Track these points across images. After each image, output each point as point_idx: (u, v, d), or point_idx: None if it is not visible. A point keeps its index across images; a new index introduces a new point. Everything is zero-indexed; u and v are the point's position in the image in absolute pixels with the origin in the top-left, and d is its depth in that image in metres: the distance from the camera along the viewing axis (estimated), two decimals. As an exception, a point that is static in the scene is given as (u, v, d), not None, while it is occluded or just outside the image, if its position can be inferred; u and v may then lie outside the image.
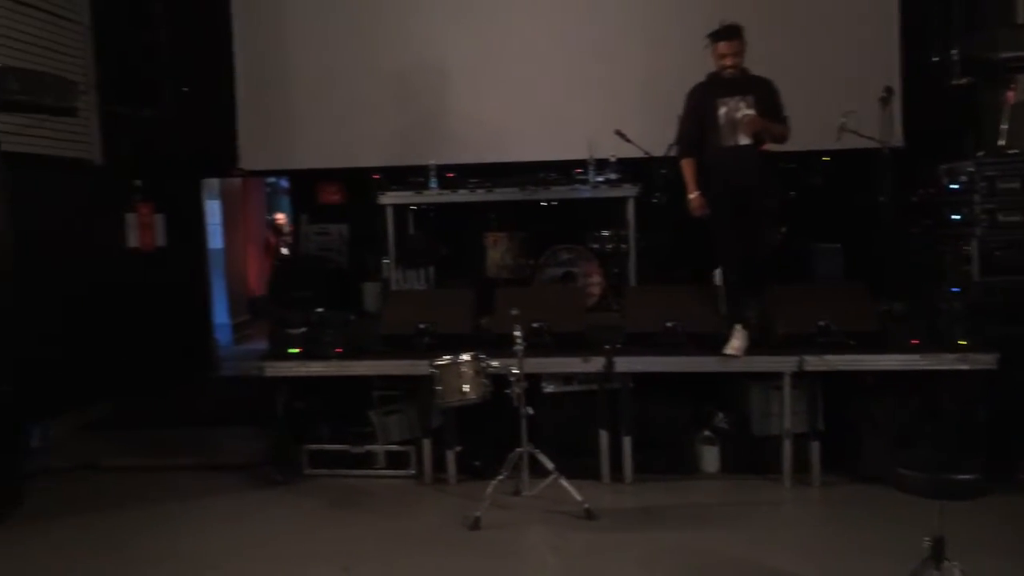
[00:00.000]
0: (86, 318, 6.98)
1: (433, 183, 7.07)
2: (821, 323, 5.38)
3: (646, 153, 6.84)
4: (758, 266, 5.34)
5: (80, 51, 7.26)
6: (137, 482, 5.73)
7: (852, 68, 7.12)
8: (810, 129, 5.78)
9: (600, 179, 6.97)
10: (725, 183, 5.26)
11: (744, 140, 5.23)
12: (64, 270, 6.73)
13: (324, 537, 4.76)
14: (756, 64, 7.10)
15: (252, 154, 7.93)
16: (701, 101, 5.37)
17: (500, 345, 5.23)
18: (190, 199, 8.70)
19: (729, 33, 5.28)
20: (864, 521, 4.70)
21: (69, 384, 6.75)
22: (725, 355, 5.28)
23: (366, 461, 5.72)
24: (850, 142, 6.42)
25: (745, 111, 5.21)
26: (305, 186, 8.59)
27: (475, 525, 4.73)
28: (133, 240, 7.68)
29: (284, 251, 10.55)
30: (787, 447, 5.31)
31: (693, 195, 5.38)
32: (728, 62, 5.25)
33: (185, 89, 7.91)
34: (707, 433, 5.63)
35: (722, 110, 5.27)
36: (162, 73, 7.84)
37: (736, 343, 5.31)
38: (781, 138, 5.36)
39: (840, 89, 6.87)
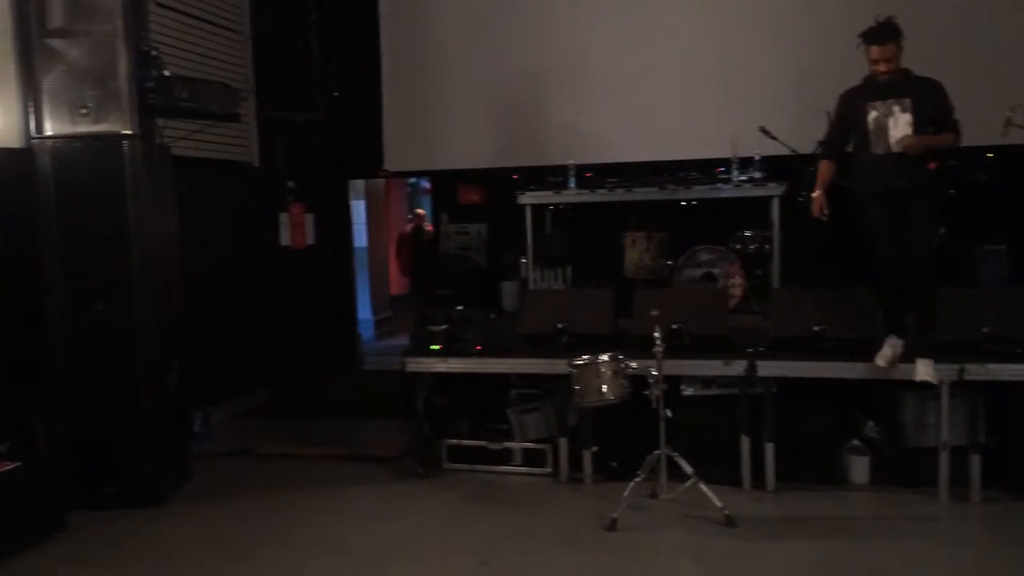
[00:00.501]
0: (243, 312, 7.41)
1: (572, 183, 7.09)
2: (985, 330, 5.07)
3: (792, 151, 6.63)
4: (916, 271, 4.96)
5: (241, 60, 7.69)
6: (288, 469, 6.01)
7: (1020, 59, 6.67)
8: (973, 124, 5.45)
9: (743, 178, 6.81)
10: (875, 188, 4.97)
11: (896, 148, 4.87)
12: (224, 267, 7.15)
13: (462, 531, 4.86)
14: (914, 55, 6.74)
15: (397, 155, 8.19)
16: (851, 105, 5.06)
17: (638, 346, 5.17)
18: (337, 199, 9.08)
19: (881, 36, 4.90)
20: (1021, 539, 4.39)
21: (229, 374, 7.17)
22: (876, 365, 5.01)
23: (503, 458, 5.79)
24: (1018, 137, 6.01)
25: (902, 121, 4.84)
26: (446, 186, 8.79)
27: (612, 526, 4.71)
28: (285, 238, 8.08)
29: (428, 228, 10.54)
30: (944, 460, 5.02)
31: (816, 193, 5.22)
32: (881, 68, 4.90)
33: (335, 94, 8.26)
34: (856, 443, 5.39)
35: (872, 115, 4.94)
36: (314, 79, 8.22)
37: (888, 352, 5.00)
38: (948, 149, 4.96)
39: (1007, 81, 6.45)
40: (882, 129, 4.89)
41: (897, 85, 4.90)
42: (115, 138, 5.23)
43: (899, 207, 4.92)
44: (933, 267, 4.93)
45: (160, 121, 5.67)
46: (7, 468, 4.65)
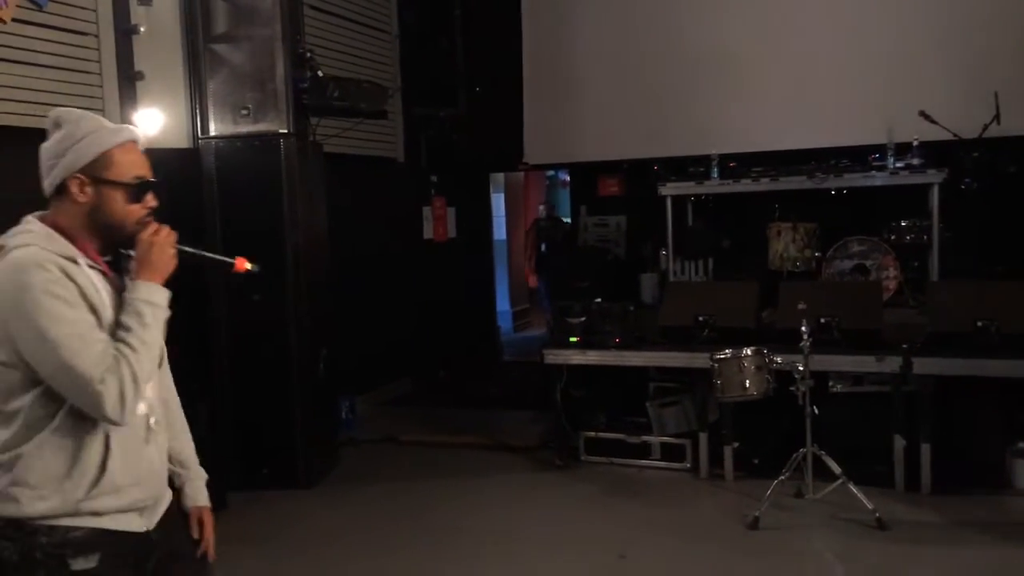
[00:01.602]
0: (389, 303, 7.66)
1: (715, 173, 6.94)
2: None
3: (955, 135, 6.23)
4: None
5: (388, 59, 7.94)
6: (430, 456, 6.18)
7: None
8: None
9: (900, 164, 6.47)
10: None
11: None
12: (371, 260, 7.42)
13: (600, 523, 4.86)
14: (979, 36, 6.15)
15: (536, 149, 8.25)
16: None
17: (784, 340, 5.02)
18: (478, 193, 9.24)
19: None
20: None
21: (374, 363, 7.45)
22: None
23: (641, 451, 5.74)
24: None
25: None
26: (585, 178, 8.78)
27: (754, 524, 4.59)
28: (428, 231, 8.30)
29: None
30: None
31: None
32: None
33: (477, 89, 8.41)
34: (1022, 445, 5.03)
35: None
36: (457, 76, 8.40)
37: None
38: None
39: None
40: None
41: None
42: (273, 137, 5.51)
43: None
44: None
45: (313, 120, 5.93)
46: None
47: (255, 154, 5.52)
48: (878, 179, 6.54)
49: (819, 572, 4.19)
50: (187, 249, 2.03)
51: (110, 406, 1.81)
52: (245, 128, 5.54)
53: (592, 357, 5.83)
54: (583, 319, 5.94)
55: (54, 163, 1.92)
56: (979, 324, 4.98)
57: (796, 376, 4.71)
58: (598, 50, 7.95)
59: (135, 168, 1.96)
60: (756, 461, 5.37)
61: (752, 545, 4.44)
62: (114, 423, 1.85)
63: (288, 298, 5.48)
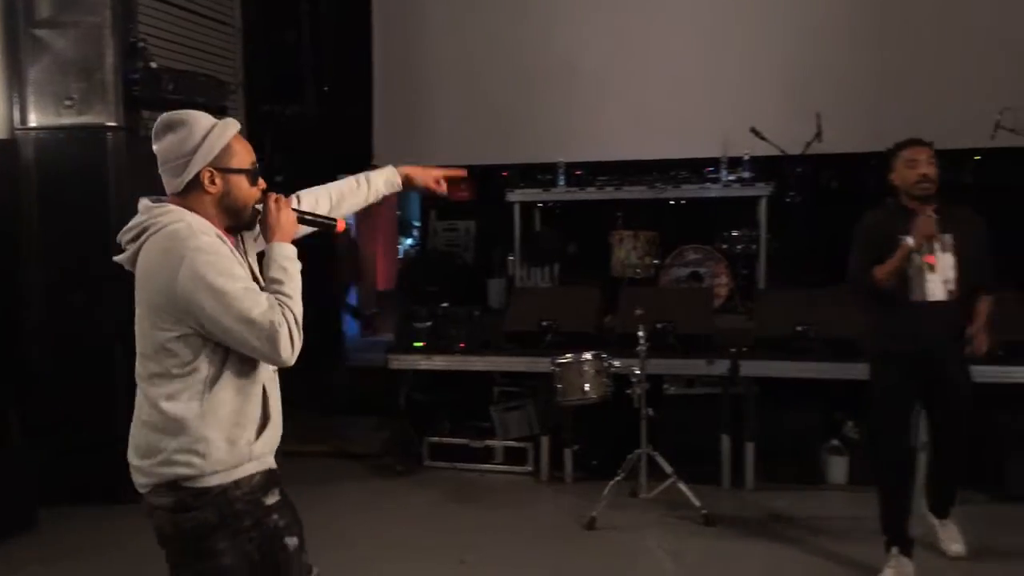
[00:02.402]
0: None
1: (561, 180, 7.09)
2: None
3: (781, 151, 6.62)
4: (955, 450, 4.05)
5: (230, 52, 7.64)
6: (298, 466, 5.97)
7: (1011, 62, 6.66)
8: (962, 126, 5.45)
9: (732, 177, 6.81)
10: (906, 346, 3.84)
11: (939, 295, 3.77)
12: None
13: (442, 528, 4.85)
14: (901, 57, 6.75)
15: (387, 151, 8.14)
16: (876, 238, 3.86)
17: (623, 345, 5.17)
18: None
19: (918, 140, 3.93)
20: (1005, 542, 4.39)
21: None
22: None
23: (485, 456, 5.79)
24: (1006, 140, 6.02)
25: (945, 264, 3.77)
26: (435, 183, 8.76)
27: (591, 524, 4.71)
28: (272, 233, 8.04)
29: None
30: (922, 461, 5.01)
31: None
32: (924, 170, 3.79)
33: (325, 88, 8.23)
34: (835, 443, 5.40)
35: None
36: (305, 73, 8.19)
37: (889, 574, 3.94)
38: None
39: (997, 84, 6.45)
40: (921, 272, 3.78)
41: (938, 214, 3.80)
42: (99, 130, 5.21)
43: (937, 376, 3.89)
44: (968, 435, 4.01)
45: (146, 114, 5.64)
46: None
47: (79, 147, 5.21)
48: (712, 191, 6.86)
49: (650, 569, 4.33)
50: (300, 210, 2.35)
51: (284, 349, 2.04)
52: (69, 120, 5.22)
53: (437, 362, 5.82)
54: (429, 324, 5.93)
55: (185, 161, 2.14)
56: (799, 329, 5.31)
57: (633, 379, 4.87)
58: (449, 53, 7.96)
59: (249, 154, 2.24)
60: (595, 463, 5.51)
61: (588, 545, 4.55)
62: (284, 364, 2.08)
63: (112, 299, 5.18)
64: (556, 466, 5.57)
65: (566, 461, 5.54)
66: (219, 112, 6.34)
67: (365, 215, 10.78)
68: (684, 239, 7.05)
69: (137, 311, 2.12)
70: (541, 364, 5.34)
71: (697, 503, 4.73)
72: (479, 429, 5.86)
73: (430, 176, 2.78)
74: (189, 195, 2.16)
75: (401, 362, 5.86)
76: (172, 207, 2.14)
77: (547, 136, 7.55)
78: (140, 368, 2.11)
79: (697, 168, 7.02)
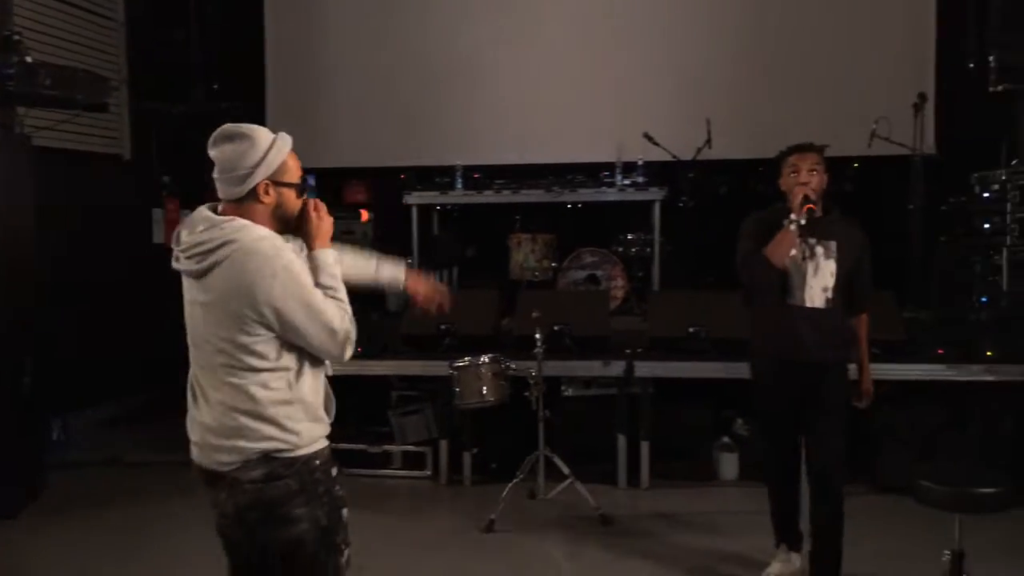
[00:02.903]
0: (112, 312, 7.06)
1: (459, 183, 7.07)
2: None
3: (674, 156, 6.80)
4: (827, 475, 3.72)
5: (113, 47, 7.35)
6: (156, 478, 5.75)
7: (886, 73, 7.02)
8: (841, 134, 5.69)
9: (627, 182, 6.95)
10: (783, 351, 3.73)
11: (818, 302, 3.66)
12: (91, 265, 6.80)
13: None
14: (787, 67, 7.01)
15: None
16: (763, 228, 3.70)
17: (520, 347, 5.20)
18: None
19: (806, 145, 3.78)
20: (882, 532, 4.60)
21: (95, 378, 6.82)
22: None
23: (383, 461, 5.72)
24: (881, 148, 6.33)
25: (825, 270, 3.66)
26: (331, 184, 8.60)
27: (489, 527, 4.71)
28: (159, 236, 7.75)
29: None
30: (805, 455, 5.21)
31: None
32: (804, 178, 3.63)
33: (215, 86, 7.98)
34: (726, 440, 5.56)
35: (794, 254, 3.62)
36: (193, 69, 7.91)
37: (776, 569, 4.00)
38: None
39: (873, 94, 6.78)
40: (801, 274, 3.67)
41: (822, 221, 3.66)
42: (-33, 125, 4.91)
43: (813, 396, 3.70)
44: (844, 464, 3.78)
45: (20, 109, 5.36)
46: None
47: (-55, 144, 4.89)
48: (608, 195, 6.98)
49: (547, 571, 4.35)
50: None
51: (348, 352, 2.38)
52: (-63, 115, 4.90)
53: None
54: (324, 328, 5.80)
55: (247, 173, 2.36)
56: (692, 330, 5.44)
57: (530, 381, 4.89)
58: (345, 53, 7.85)
59: (298, 169, 2.45)
60: (494, 465, 5.51)
61: (486, 548, 4.54)
62: (342, 361, 2.41)
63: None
64: (455, 470, 5.55)
65: (465, 464, 5.52)
66: (100, 109, 6.11)
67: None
68: (581, 242, 7.15)
69: (206, 313, 2.34)
70: (439, 368, 5.30)
71: (594, 503, 4.79)
72: (377, 434, 5.78)
73: (431, 299, 3.00)
74: (244, 204, 2.38)
75: (295, 368, 5.71)
76: (243, 222, 2.34)
77: (445, 139, 7.54)
78: (215, 362, 2.33)
79: (593, 172, 7.13)
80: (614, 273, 7.02)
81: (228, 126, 2.42)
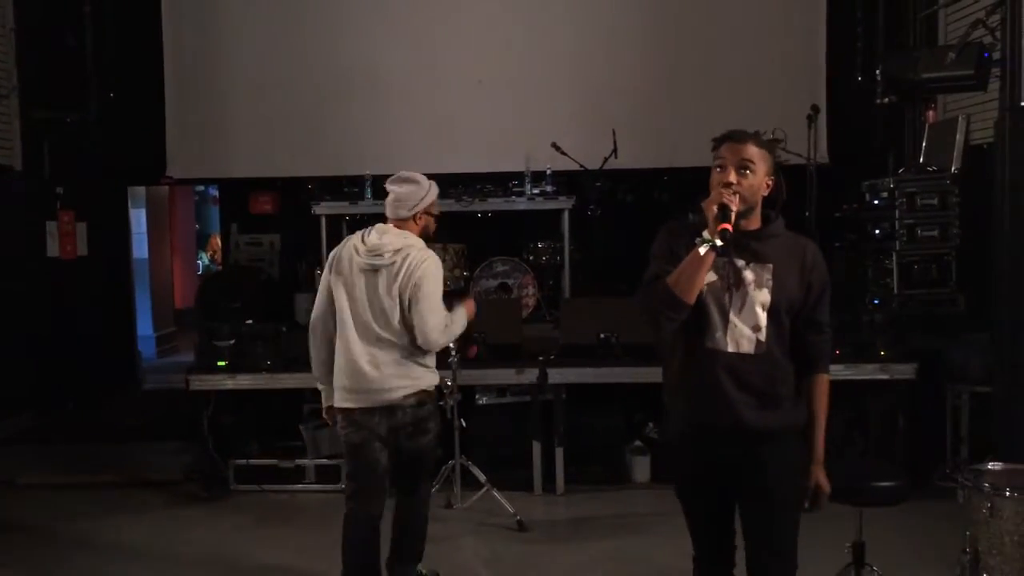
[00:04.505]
0: (4, 327, 6.73)
1: (368, 193, 7.01)
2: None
3: (581, 166, 6.91)
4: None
5: (3, 54, 7.02)
6: (56, 500, 5.52)
7: (781, 86, 7.31)
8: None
9: (536, 191, 7.02)
10: (706, 422, 2.69)
11: (745, 346, 2.63)
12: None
13: (250, 554, 4.65)
14: (687, 80, 7.21)
15: (181, 162, 7.76)
16: (675, 247, 2.67)
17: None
18: (114, 207, 8.46)
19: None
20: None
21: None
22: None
23: (296, 475, 5.62)
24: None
25: (756, 300, 2.64)
26: (236, 195, 8.42)
27: (406, 538, 4.67)
28: (53, 249, 7.42)
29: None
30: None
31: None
32: (730, 177, 2.61)
33: (111, 94, 7.71)
34: (638, 443, 5.67)
35: (709, 280, 2.63)
36: (87, 77, 7.62)
37: None
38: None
39: (767, 107, 7.03)
40: (722, 310, 2.64)
41: (756, 236, 2.68)
42: None
43: (753, 481, 2.67)
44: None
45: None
46: None
47: None
48: (518, 203, 7.05)
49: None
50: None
51: (437, 347, 3.72)
52: None
53: (243, 381, 5.60)
54: (232, 342, 5.68)
55: (415, 204, 3.69)
56: (602, 336, 5.54)
57: (445, 391, 4.89)
58: (246, 60, 7.69)
59: (438, 206, 3.82)
60: (409, 476, 5.47)
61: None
62: (431, 347, 3.69)
63: None
64: (370, 482, 5.48)
65: (380, 476, 5.46)
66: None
67: (157, 228, 10.20)
68: (492, 251, 7.18)
69: (387, 299, 3.59)
70: (352, 379, 5.24)
71: (511, 509, 4.82)
72: (289, 449, 5.68)
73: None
74: (406, 223, 3.70)
75: (203, 383, 5.58)
76: (414, 236, 3.69)
77: (353, 148, 7.47)
78: (391, 336, 3.60)
79: (503, 182, 7.18)
80: (525, 281, 7.08)
81: (404, 173, 3.74)
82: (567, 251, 6.96)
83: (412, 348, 3.59)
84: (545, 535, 4.80)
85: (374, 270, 3.59)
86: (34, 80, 7.20)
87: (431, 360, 3.70)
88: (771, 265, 2.65)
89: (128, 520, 5.17)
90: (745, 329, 2.64)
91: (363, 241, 3.63)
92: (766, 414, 2.64)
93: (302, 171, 7.56)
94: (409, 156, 7.42)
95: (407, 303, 3.54)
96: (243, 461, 5.63)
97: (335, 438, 5.64)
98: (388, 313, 3.56)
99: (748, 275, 2.65)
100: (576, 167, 6.91)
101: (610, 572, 4.34)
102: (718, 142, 2.71)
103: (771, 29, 7.46)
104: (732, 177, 2.61)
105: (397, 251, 3.57)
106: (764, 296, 2.64)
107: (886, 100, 6.61)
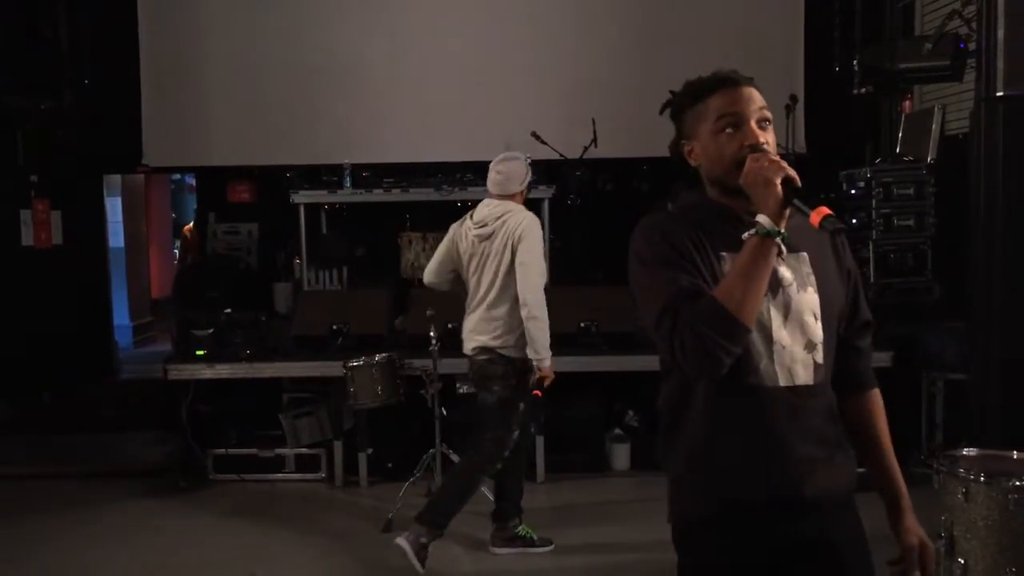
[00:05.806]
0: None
1: (347, 182, 6.98)
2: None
3: (561, 155, 6.91)
4: None
5: (-28, 39, 6.91)
6: (31, 490, 5.48)
7: (759, 75, 7.26)
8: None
9: (516, 180, 7.00)
10: (752, 492, 1.82)
11: (802, 375, 1.82)
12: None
13: (229, 544, 4.64)
14: (666, 69, 7.16)
15: (157, 150, 7.67)
16: (683, 250, 1.83)
17: (415, 346, 5.18)
18: (90, 196, 8.36)
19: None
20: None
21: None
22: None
23: (275, 465, 5.60)
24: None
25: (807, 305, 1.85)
26: (213, 184, 8.36)
27: (387, 527, 4.68)
28: (28, 238, 7.34)
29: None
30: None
31: None
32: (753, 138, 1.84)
33: (86, 81, 7.61)
34: (618, 431, 5.71)
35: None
36: (62, 64, 7.52)
37: None
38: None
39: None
40: (763, 327, 1.81)
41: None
42: None
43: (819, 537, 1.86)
44: None
45: None
46: None
47: None
48: (498, 193, 7.02)
49: (449, 566, 4.37)
50: None
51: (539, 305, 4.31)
52: None
53: (221, 370, 5.57)
54: (211, 331, 5.65)
55: (520, 179, 4.37)
56: (583, 325, 5.56)
57: (426, 380, 4.89)
58: (223, 47, 7.60)
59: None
60: (390, 465, 5.49)
61: (386, 547, 4.49)
62: (533, 306, 4.29)
63: None
64: (350, 471, 5.49)
65: (360, 465, 5.47)
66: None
67: (133, 217, 10.11)
68: (472, 240, 7.15)
69: (492, 261, 4.26)
70: (333, 368, 5.25)
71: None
72: (268, 438, 5.66)
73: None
74: (510, 197, 4.33)
75: (181, 372, 5.54)
76: (514, 203, 4.33)
77: (332, 137, 7.43)
78: (491, 296, 4.27)
79: (482, 170, 7.12)
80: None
81: (509, 152, 4.48)
82: (547, 240, 6.95)
83: (508, 320, 4.25)
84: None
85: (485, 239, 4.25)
86: (7, 67, 7.09)
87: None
88: (805, 254, 1.86)
89: (106, 510, 5.14)
90: (797, 350, 1.82)
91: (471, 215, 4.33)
92: (835, 472, 1.85)
93: (280, 159, 7.50)
94: (388, 145, 7.43)
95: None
96: (222, 451, 5.61)
97: (315, 427, 5.66)
98: (499, 283, 4.23)
99: (785, 273, 1.82)
100: (556, 156, 6.91)
101: (590, 559, 4.36)
102: (708, 88, 1.95)
103: (749, 19, 7.48)
104: (761, 136, 1.84)
105: (497, 219, 4.23)
106: (811, 299, 1.84)
107: (863, 90, 6.66)
